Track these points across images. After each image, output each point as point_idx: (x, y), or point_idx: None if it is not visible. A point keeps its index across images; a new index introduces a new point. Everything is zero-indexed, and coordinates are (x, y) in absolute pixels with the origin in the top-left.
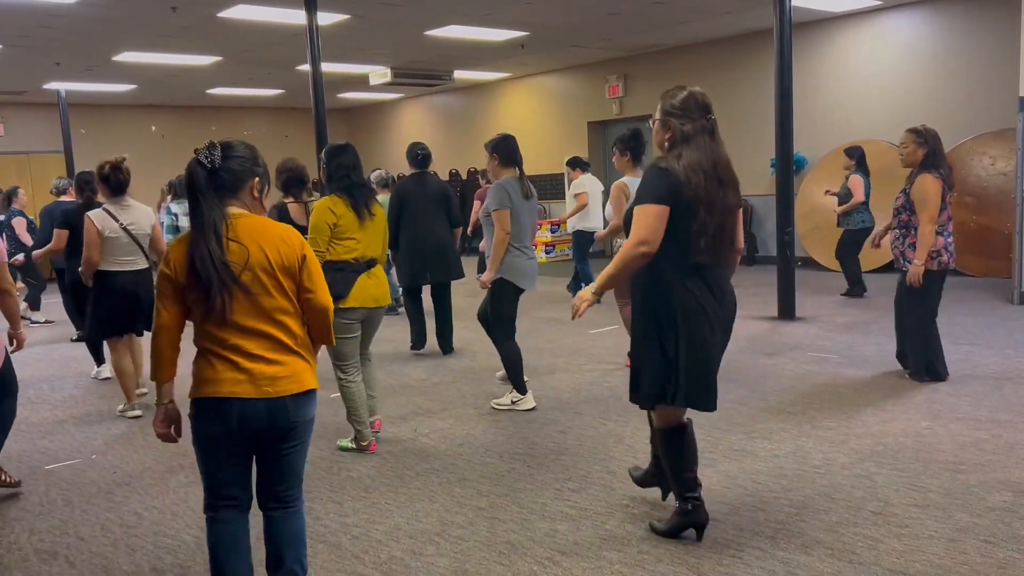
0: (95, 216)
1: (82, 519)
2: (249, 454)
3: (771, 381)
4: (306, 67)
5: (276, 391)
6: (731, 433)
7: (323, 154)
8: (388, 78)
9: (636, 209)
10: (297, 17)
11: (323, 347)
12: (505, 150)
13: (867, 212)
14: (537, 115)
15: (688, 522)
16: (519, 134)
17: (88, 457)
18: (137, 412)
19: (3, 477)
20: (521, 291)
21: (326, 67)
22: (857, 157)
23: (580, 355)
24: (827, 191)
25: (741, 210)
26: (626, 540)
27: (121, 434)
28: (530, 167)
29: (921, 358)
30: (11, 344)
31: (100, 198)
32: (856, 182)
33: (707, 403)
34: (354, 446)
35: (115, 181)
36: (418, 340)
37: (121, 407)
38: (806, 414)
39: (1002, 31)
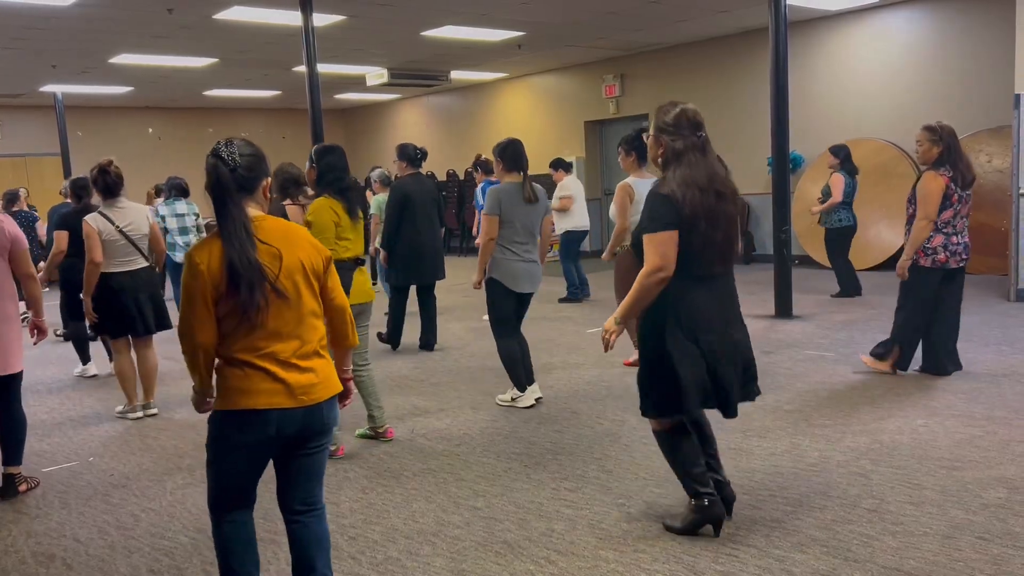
0: (91, 219)
1: (79, 522)
2: (265, 464)
3: (767, 379)
4: (303, 68)
5: (311, 399)
6: (727, 431)
7: (312, 154)
8: (385, 79)
9: (646, 237)
10: (293, 18)
11: None
12: (510, 155)
13: (846, 211)
14: (534, 115)
15: (705, 518)
16: (516, 134)
17: (85, 459)
18: (138, 414)
19: (23, 487)
20: (515, 293)
21: (323, 68)
22: (842, 156)
23: (577, 354)
24: (812, 210)
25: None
26: (622, 539)
27: (118, 436)
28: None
29: (911, 351)
30: (33, 335)
31: (95, 201)
32: (836, 181)
33: (726, 409)
34: (372, 433)
35: (102, 183)
36: (397, 338)
37: (121, 408)
38: (802, 412)
39: (997, 28)
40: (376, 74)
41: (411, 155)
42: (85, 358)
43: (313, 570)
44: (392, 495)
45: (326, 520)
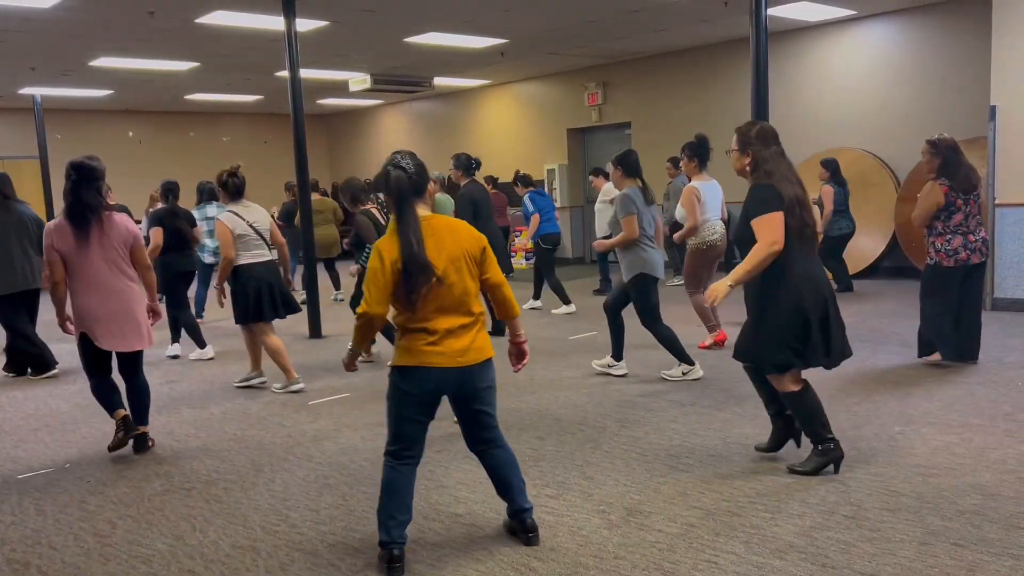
0: (225, 219)
1: (55, 529)
2: (432, 415)
3: (747, 385)
4: (285, 73)
5: (465, 361)
6: (707, 439)
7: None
8: (367, 84)
9: (759, 220)
10: (275, 23)
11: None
12: (631, 163)
13: (846, 219)
14: (517, 122)
15: (830, 459)
16: (499, 141)
17: (61, 466)
18: (300, 386)
19: (151, 443)
20: (657, 280)
21: (305, 73)
22: (832, 169)
23: (559, 361)
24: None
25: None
26: (602, 546)
27: (95, 442)
28: (510, 174)
29: (937, 338)
30: (149, 315)
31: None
32: (827, 192)
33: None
34: None
35: (233, 186)
36: None
37: (279, 385)
38: None
39: (974, 41)
40: (359, 80)
41: (466, 165)
42: (200, 343)
43: (511, 484)
44: (372, 501)
45: (509, 448)
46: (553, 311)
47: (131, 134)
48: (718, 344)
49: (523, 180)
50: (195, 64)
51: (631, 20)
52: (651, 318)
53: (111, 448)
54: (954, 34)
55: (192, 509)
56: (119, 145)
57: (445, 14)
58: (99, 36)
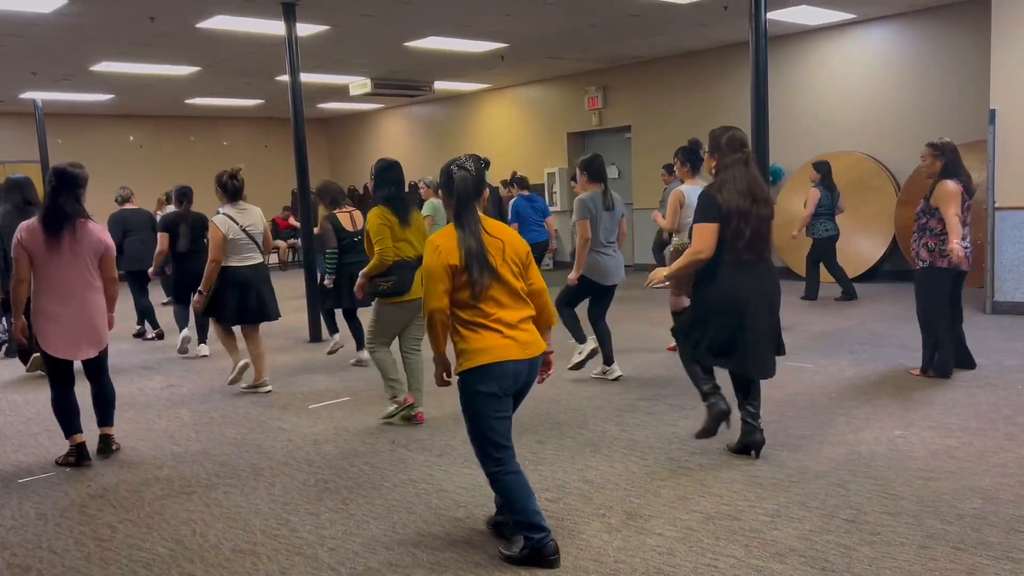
0: (219, 221)
1: (55, 533)
2: (511, 408)
3: None
4: (285, 77)
5: (531, 352)
6: (707, 443)
7: (373, 168)
8: (368, 88)
9: (695, 227)
10: (276, 28)
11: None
12: (595, 168)
13: (831, 221)
14: (517, 126)
15: (715, 416)
16: (499, 144)
17: (62, 470)
18: (268, 388)
19: (115, 446)
20: (596, 286)
21: (305, 77)
22: (823, 172)
23: (558, 363)
24: (793, 235)
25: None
26: (602, 550)
27: (95, 446)
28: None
29: (929, 353)
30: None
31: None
32: (811, 195)
33: (763, 370)
34: (394, 407)
35: (232, 188)
36: None
37: (244, 385)
38: (781, 423)
39: (973, 45)
40: (359, 84)
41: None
42: (202, 337)
43: None
44: (372, 506)
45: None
46: None
47: (132, 138)
48: (670, 351)
49: (519, 182)
50: (196, 68)
51: (631, 24)
52: (564, 303)
53: (57, 462)
54: (953, 38)
55: (192, 513)
56: (120, 149)
57: (445, 18)
58: (100, 41)
